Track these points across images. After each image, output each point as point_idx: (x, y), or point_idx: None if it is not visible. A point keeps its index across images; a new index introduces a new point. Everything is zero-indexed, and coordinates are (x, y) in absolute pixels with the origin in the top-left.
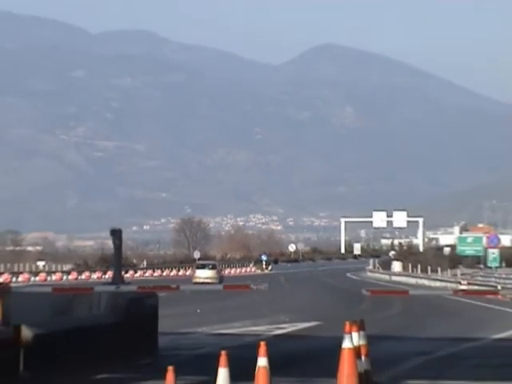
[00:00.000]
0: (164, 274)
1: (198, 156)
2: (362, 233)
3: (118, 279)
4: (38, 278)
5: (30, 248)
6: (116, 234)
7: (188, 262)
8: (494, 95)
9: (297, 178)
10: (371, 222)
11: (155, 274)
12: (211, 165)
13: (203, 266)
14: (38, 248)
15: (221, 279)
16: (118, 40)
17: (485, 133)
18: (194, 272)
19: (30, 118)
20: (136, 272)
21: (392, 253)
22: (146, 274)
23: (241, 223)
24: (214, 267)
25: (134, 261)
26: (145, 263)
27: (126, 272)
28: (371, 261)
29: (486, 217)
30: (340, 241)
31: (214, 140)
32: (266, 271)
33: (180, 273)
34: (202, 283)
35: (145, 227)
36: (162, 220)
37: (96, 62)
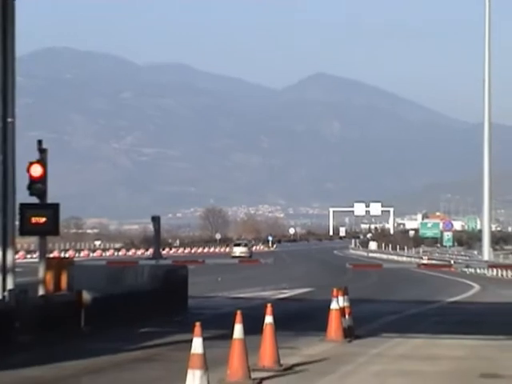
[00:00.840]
0: (192, 250)
1: (219, 159)
2: (346, 219)
3: (157, 255)
4: (95, 254)
5: (89, 231)
6: (155, 220)
7: (211, 242)
8: (450, 113)
9: (295, 176)
10: (353, 211)
11: (185, 251)
12: (229, 166)
13: (239, 244)
14: (95, 231)
15: (251, 254)
16: (160, 70)
17: (441, 142)
18: (232, 248)
19: (91, 130)
20: (171, 249)
21: (369, 235)
22: (179, 251)
23: (252, 212)
24: (246, 245)
25: (170, 240)
26: (177, 242)
27: (163, 249)
28: (353, 241)
29: (442, 207)
30: (328, 225)
31: (231, 147)
32: (271, 249)
33: (205, 250)
34: (238, 257)
35: (178, 215)
36: (191, 209)
37: (141, 86)
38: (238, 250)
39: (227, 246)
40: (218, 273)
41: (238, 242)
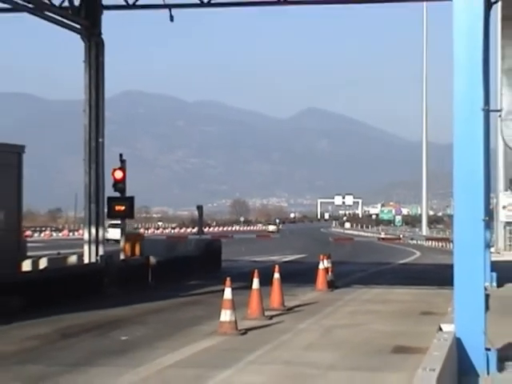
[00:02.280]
0: (224, 229)
1: (242, 166)
2: (329, 207)
3: (200, 232)
4: (158, 231)
5: (154, 215)
6: (199, 208)
7: (237, 223)
8: (401, 134)
9: (294, 178)
10: (333, 201)
11: (219, 229)
12: (249, 171)
13: (270, 223)
14: (158, 215)
15: (278, 230)
16: (202, 105)
17: (394, 154)
18: (267, 226)
19: (155, 147)
20: (209, 228)
21: (345, 218)
22: (215, 229)
23: (264, 202)
24: (275, 223)
25: (209, 222)
26: (214, 223)
27: (204, 228)
28: (333, 222)
29: (395, 198)
30: (317, 211)
31: (250, 158)
32: (268, 229)
33: (232, 228)
34: (271, 232)
35: (214, 204)
36: (223, 200)
37: (190, 117)
38: (271, 228)
39: (248, 225)
40: (242, 244)
41: (270, 222)
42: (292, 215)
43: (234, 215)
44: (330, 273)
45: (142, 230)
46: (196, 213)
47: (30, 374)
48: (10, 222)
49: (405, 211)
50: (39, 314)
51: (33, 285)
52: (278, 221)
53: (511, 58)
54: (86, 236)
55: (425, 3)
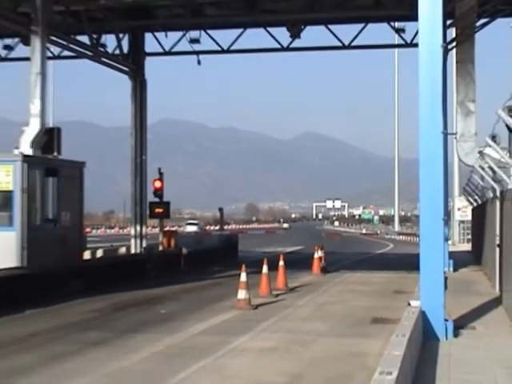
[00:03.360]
0: (240, 226)
1: (254, 177)
2: (322, 209)
3: (221, 229)
4: (184, 228)
5: (185, 216)
6: (221, 210)
7: (250, 222)
8: (375, 151)
9: (293, 186)
10: (325, 204)
11: (236, 227)
12: (260, 181)
13: (283, 222)
14: (188, 216)
15: (290, 227)
16: (223, 129)
17: (373, 167)
18: (281, 224)
19: (185, 163)
20: (229, 225)
21: (334, 218)
22: (233, 227)
23: (271, 205)
24: (287, 222)
25: (228, 221)
26: (232, 222)
27: (225, 225)
28: (325, 221)
29: (374, 202)
30: (312, 213)
31: (260, 171)
32: (282, 226)
33: (247, 226)
34: (284, 229)
35: (232, 207)
36: (239, 204)
37: (213, 139)
38: (285, 225)
39: (260, 223)
40: (254, 238)
41: (283, 221)
42: (293, 215)
43: (247, 215)
44: (323, 260)
45: (176, 228)
46: (218, 214)
47: (89, 339)
48: (74, 221)
49: (381, 212)
50: (96, 293)
51: (91, 270)
52: (282, 220)
53: (463, 93)
54: (133, 232)
55: (396, 49)
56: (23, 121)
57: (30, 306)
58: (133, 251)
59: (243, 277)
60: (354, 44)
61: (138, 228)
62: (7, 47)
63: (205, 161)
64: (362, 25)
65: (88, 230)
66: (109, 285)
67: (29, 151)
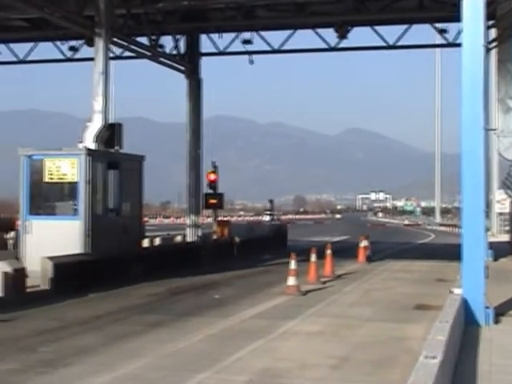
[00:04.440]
0: (289, 217)
1: (302, 170)
2: (366, 201)
3: (273, 219)
4: (239, 218)
5: (237, 206)
6: (271, 201)
7: (299, 213)
8: (417, 145)
9: (339, 179)
10: (369, 196)
11: (285, 217)
12: (307, 174)
13: (336, 212)
14: (240, 206)
15: (342, 217)
16: (271, 125)
17: (414, 161)
18: (334, 214)
19: (237, 157)
20: (286, 216)
21: (378, 209)
22: (290, 217)
23: (318, 197)
24: (340, 212)
25: (277, 212)
26: (281, 213)
27: (282, 215)
28: (369, 213)
29: (415, 194)
30: (357, 204)
31: (307, 165)
32: (335, 216)
33: (294, 216)
34: (337, 219)
35: (281, 199)
36: (288, 196)
37: (262, 134)
38: (338, 215)
39: (307, 214)
40: (303, 228)
41: (336, 212)
42: (338, 207)
43: (295, 207)
44: (368, 250)
45: (228, 218)
46: (268, 205)
47: (149, 321)
48: (134, 210)
49: (423, 204)
50: (154, 278)
51: (150, 257)
52: (328, 211)
53: (503, 90)
54: (188, 221)
55: (438, 49)
56: (86, 117)
57: (92, 289)
58: (188, 239)
59: (292, 264)
60: (398, 44)
61: (193, 218)
62: (72, 48)
63: (255, 155)
64: (406, 26)
65: (146, 219)
66: (166, 271)
67: (92, 145)
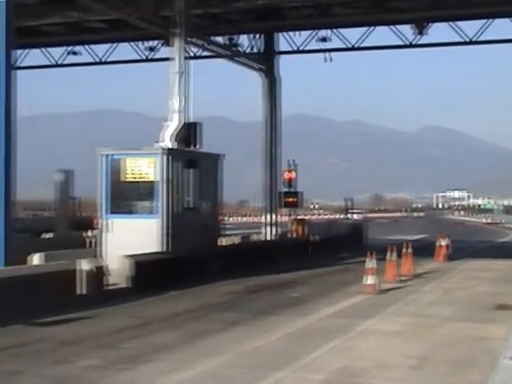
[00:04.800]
0: (369, 215)
1: (379, 169)
2: (444, 200)
3: (348, 217)
4: (313, 217)
5: (313, 205)
6: (346, 200)
7: (377, 211)
8: (499, 143)
9: (417, 177)
10: (448, 195)
11: (361, 215)
12: (384, 172)
13: (414, 211)
14: (317, 205)
15: (423, 216)
16: (348, 122)
17: (490, 160)
18: (412, 213)
19: (314, 155)
20: (370, 214)
21: (457, 207)
22: (372, 215)
23: (394, 195)
24: (422, 210)
25: (354, 210)
26: (358, 210)
27: (365, 213)
28: (448, 211)
29: (496, 192)
30: (435, 203)
31: (384, 163)
32: (419, 214)
33: (375, 215)
34: (420, 217)
35: (358, 197)
36: (365, 195)
37: (339, 132)
38: (418, 213)
39: (385, 212)
40: (380, 226)
41: (408, 210)
42: (414, 205)
43: (372, 205)
44: (448, 248)
45: (304, 216)
46: (344, 203)
47: (227, 319)
48: (212, 209)
49: (505, 202)
50: (232, 276)
51: (228, 255)
52: (408, 209)
53: None
54: (265, 220)
55: None
56: (161, 117)
57: (171, 287)
58: (265, 238)
59: (370, 263)
60: (477, 39)
61: (270, 216)
62: (150, 49)
63: (332, 153)
64: (485, 21)
65: (223, 218)
66: (243, 269)
67: (170, 144)
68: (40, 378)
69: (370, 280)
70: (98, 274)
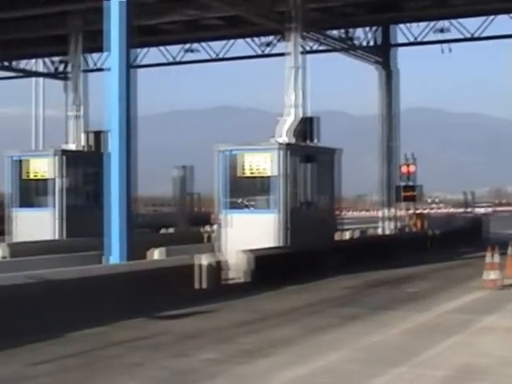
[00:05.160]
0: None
1: (501, 162)
2: None
3: (468, 211)
4: (432, 211)
5: (430, 199)
6: (465, 193)
7: (498, 205)
8: None
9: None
10: None
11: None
12: (506, 167)
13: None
14: (437, 199)
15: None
16: (465, 115)
17: None
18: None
19: (432, 148)
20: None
21: None
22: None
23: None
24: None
25: (472, 204)
26: (490, 204)
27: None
28: None
29: None
30: None
31: (505, 155)
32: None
33: (498, 208)
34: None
35: (476, 190)
36: (485, 188)
37: (454, 125)
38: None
39: (507, 205)
40: (501, 220)
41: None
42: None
43: (493, 199)
44: None
45: (422, 210)
46: (462, 197)
47: (344, 313)
48: (330, 203)
49: None
50: (349, 271)
51: (345, 249)
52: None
53: None
54: (382, 214)
55: None
56: (278, 112)
57: (290, 282)
58: (382, 232)
59: (491, 257)
60: None
61: (387, 210)
62: (266, 44)
63: (450, 145)
64: None
65: (340, 212)
66: (361, 263)
67: (287, 139)
68: (161, 371)
69: (491, 275)
70: (217, 268)
